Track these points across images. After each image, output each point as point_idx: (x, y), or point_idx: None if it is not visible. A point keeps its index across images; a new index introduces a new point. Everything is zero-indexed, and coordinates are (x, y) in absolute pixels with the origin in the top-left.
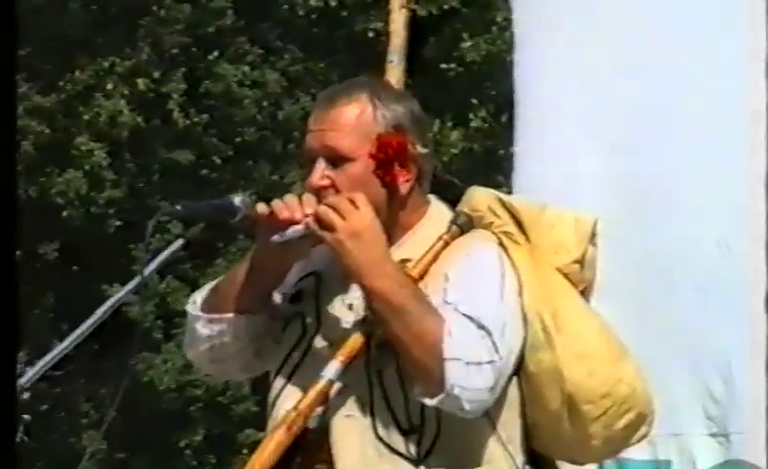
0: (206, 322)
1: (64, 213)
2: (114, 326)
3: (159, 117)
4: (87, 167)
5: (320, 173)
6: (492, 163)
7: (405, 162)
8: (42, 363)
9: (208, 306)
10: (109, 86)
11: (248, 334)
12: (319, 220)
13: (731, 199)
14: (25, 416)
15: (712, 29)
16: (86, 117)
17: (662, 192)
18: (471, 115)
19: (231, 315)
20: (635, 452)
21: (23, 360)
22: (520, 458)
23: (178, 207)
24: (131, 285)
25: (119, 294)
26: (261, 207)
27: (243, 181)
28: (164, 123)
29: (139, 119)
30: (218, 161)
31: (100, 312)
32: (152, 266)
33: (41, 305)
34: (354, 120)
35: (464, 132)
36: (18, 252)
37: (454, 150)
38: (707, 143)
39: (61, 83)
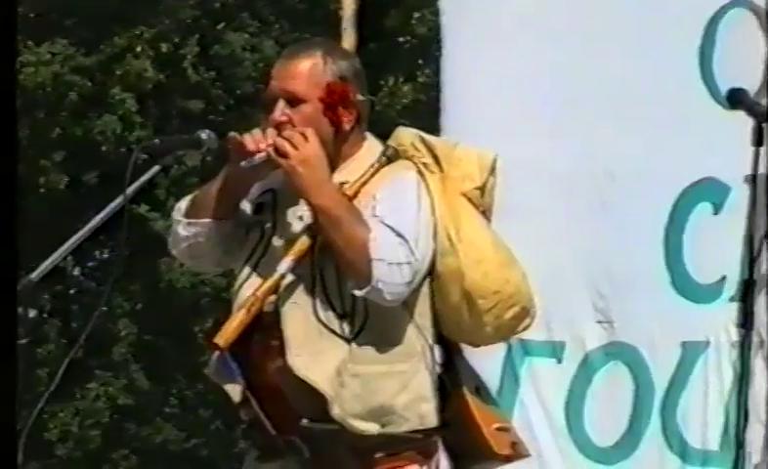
0: (186, 225)
1: (103, 148)
2: (142, 237)
3: (177, 74)
4: (120, 113)
5: (280, 111)
6: (437, 111)
7: (347, 106)
8: (56, 255)
9: (188, 212)
10: (138, 49)
11: (219, 236)
12: (276, 149)
13: (615, 137)
14: (74, 306)
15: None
16: (119, 73)
17: (566, 132)
18: (419, 73)
19: (205, 219)
20: (536, 335)
21: (72, 262)
22: (430, 339)
23: (156, 141)
24: (116, 202)
25: (110, 207)
26: (232, 135)
27: (243, 123)
28: (181, 78)
29: (161, 75)
30: (223, 108)
31: (98, 218)
32: (135, 186)
33: (84, 220)
34: (308, 70)
35: (413, 86)
36: (66, 178)
37: (406, 101)
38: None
39: (100, 46)
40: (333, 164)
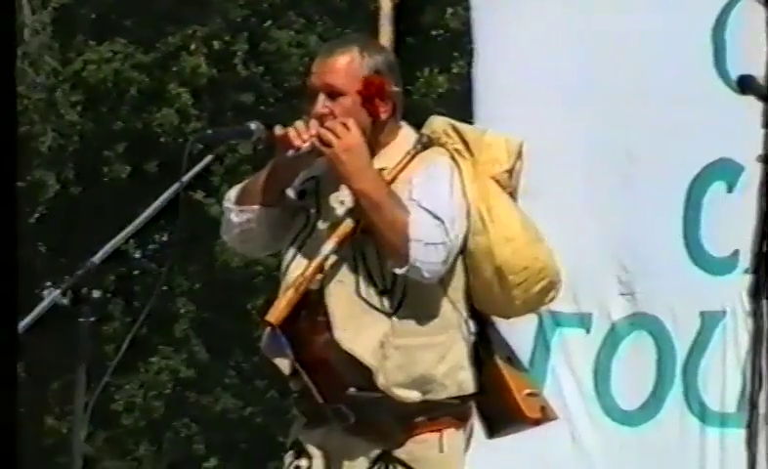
0: (238, 212)
1: (162, 139)
2: (199, 221)
3: (229, 69)
4: (177, 106)
5: (322, 104)
6: (470, 99)
7: (383, 97)
8: (118, 238)
9: (239, 200)
10: (192, 46)
11: (267, 221)
12: (320, 139)
13: (636, 122)
14: (137, 286)
15: None
16: (175, 69)
17: (590, 117)
18: (452, 64)
19: (256, 206)
20: (565, 307)
21: (134, 245)
22: (464, 313)
23: (209, 132)
24: (173, 189)
25: (167, 193)
26: (279, 130)
27: (290, 114)
28: (232, 73)
29: (214, 71)
30: (272, 100)
31: (156, 204)
32: (190, 174)
33: (145, 206)
34: (346, 65)
35: (448, 77)
36: (128, 168)
37: (441, 91)
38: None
39: (157, 45)
40: (372, 152)
